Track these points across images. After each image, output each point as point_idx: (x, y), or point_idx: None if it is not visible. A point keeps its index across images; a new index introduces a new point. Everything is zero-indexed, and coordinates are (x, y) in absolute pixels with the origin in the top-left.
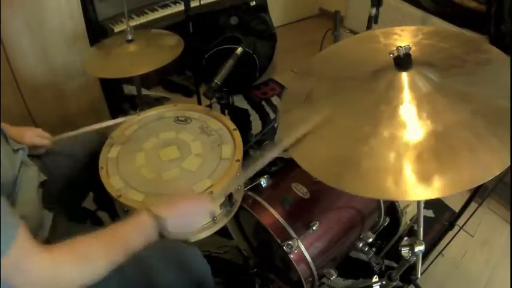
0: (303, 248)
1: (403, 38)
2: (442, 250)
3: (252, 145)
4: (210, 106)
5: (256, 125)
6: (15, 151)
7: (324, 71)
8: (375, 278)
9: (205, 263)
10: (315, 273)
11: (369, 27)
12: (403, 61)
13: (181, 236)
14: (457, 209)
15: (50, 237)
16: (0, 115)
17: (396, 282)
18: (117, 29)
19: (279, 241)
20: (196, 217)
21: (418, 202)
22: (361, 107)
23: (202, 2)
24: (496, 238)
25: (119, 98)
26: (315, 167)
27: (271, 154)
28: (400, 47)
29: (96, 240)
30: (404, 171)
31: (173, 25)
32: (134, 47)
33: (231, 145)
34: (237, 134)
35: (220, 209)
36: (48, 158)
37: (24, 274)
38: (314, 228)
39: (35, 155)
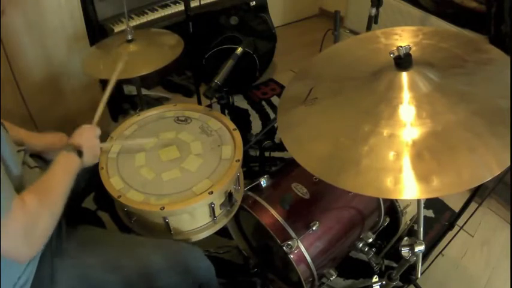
0: (302, 248)
1: (404, 38)
2: (442, 250)
3: (252, 145)
4: (210, 106)
5: (256, 125)
6: (18, 151)
7: (324, 71)
8: (375, 278)
9: (209, 264)
10: (315, 273)
11: (368, 27)
12: (403, 61)
13: (93, 160)
14: (457, 209)
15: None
16: (0, 115)
17: (396, 282)
18: (117, 29)
19: (279, 241)
20: (95, 140)
21: (418, 202)
22: (361, 107)
23: (202, 2)
24: (496, 238)
25: (119, 98)
26: (314, 166)
27: None
28: (401, 47)
29: (49, 191)
30: (404, 171)
31: (173, 25)
32: (134, 47)
33: (231, 145)
34: (237, 134)
35: (220, 209)
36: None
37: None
38: (314, 228)
39: (39, 156)
